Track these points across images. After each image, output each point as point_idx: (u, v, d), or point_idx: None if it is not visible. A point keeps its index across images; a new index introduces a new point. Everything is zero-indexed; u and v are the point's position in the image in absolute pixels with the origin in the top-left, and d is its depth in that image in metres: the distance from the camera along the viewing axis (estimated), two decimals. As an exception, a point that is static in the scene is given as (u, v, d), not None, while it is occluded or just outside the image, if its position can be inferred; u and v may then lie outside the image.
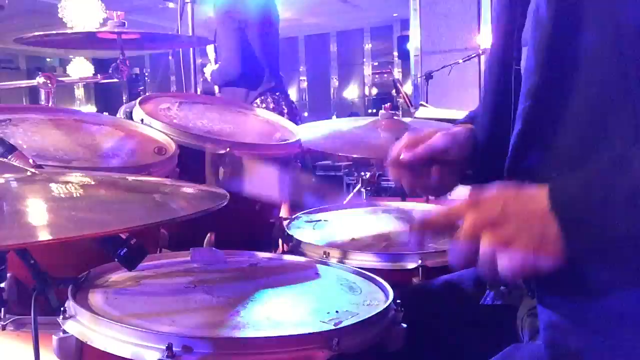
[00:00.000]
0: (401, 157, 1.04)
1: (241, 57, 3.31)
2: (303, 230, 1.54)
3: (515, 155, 0.87)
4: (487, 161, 1.01)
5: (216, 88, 3.62)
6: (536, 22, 0.82)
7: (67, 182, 0.86)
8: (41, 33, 1.92)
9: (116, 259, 0.91)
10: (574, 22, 0.77)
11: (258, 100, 3.45)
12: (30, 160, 0.99)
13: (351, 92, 12.62)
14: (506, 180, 0.86)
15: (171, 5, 3.27)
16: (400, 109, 4.71)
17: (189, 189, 1.04)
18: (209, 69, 3.54)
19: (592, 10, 0.76)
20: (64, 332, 0.84)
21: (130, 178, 1.07)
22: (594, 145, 0.76)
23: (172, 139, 1.51)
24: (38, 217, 0.75)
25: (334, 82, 12.60)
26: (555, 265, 0.70)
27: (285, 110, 3.47)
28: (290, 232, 1.45)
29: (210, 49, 3.58)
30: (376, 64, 12.28)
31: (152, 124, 1.57)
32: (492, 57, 0.99)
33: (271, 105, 3.43)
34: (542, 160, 0.83)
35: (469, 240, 0.74)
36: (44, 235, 0.69)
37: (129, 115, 1.66)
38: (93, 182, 0.94)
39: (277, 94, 3.52)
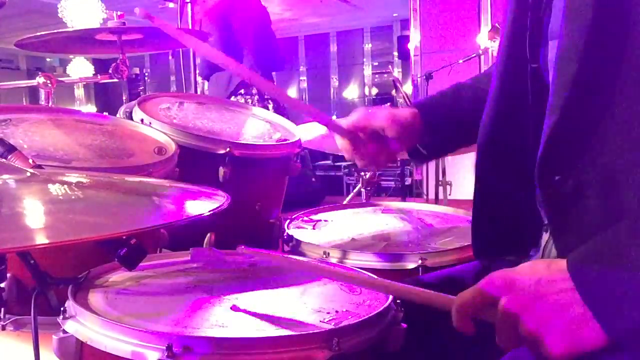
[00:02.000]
0: (344, 126, 1.22)
1: (223, 39, 3.32)
2: (303, 230, 1.54)
3: (550, 147, 0.84)
4: (485, 154, 1.02)
5: (206, 84, 3.63)
6: (570, 10, 0.80)
7: (65, 184, 0.86)
8: (41, 33, 1.92)
9: (116, 259, 0.91)
10: (614, 13, 0.76)
11: (242, 91, 3.46)
12: (30, 160, 0.99)
13: (351, 92, 12.60)
14: (539, 177, 0.85)
15: (171, 5, 3.28)
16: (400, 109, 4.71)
17: (188, 191, 1.04)
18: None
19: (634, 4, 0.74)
20: (64, 332, 0.84)
21: (129, 179, 1.07)
22: (634, 135, 0.75)
23: (172, 139, 1.51)
24: (36, 220, 0.74)
25: (334, 82, 12.58)
26: (600, 345, 0.69)
27: (271, 106, 3.47)
28: (290, 232, 1.45)
29: None
30: (376, 64, 12.27)
31: (152, 124, 1.57)
32: (503, 54, 0.99)
33: (255, 98, 3.44)
34: (582, 150, 0.80)
35: (507, 325, 0.73)
36: (41, 239, 0.69)
37: (129, 115, 1.66)
38: (92, 184, 0.94)
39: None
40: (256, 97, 3.45)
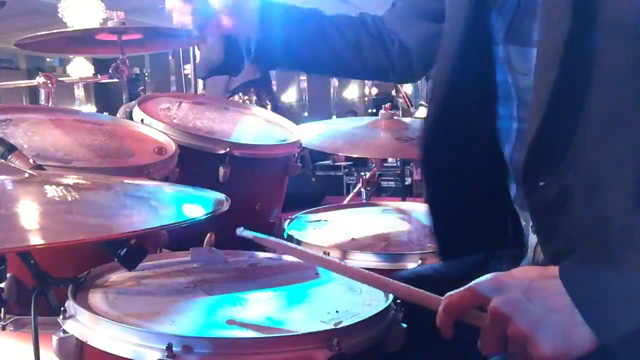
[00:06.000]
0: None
1: (223, 43, 3.31)
2: (303, 230, 1.54)
3: (534, 153, 0.83)
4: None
5: (200, 83, 3.61)
6: (547, 17, 0.81)
7: (63, 185, 0.86)
8: (42, 33, 1.92)
9: (116, 259, 0.91)
10: (590, 19, 0.76)
11: (241, 93, 3.45)
12: (31, 160, 0.99)
13: (351, 92, 12.60)
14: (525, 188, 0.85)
15: (171, 5, 3.27)
16: (400, 109, 4.71)
17: (185, 193, 1.03)
18: (188, 66, 3.55)
19: (609, 10, 0.75)
20: (64, 332, 0.84)
21: (128, 182, 1.07)
22: (614, 137, 0.76)
23: (172, 139, 1.51)
24: (33, 220, 0.74)
25: (334, 82, 12.57)
26: (589, 349, 0.68)
27: (269, 106, 3.46)
28: (290, 232, 1.45)
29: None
30: (376, 64, 12.25)
31: (152, 124, 1.57)
32: (456, 49, 0.97)
33: (253, 98, 3.43)
34: (565, 155, 0.80)
35: (495, 325, 0.71)
36: (38, 240, 0.69)
37: (129, 115, 1.66)
38: (89, 185, 0.94)
39: (260, 88, 3.51)
40: (254, 98, 3.44)
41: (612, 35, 0.75)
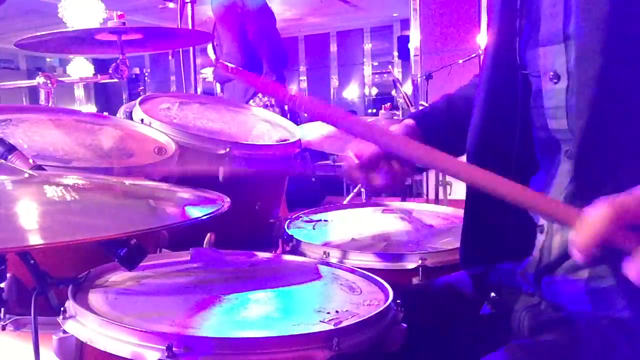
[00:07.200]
0: (354, 163, 1.16)
1: (242, 50, 3.32)
2: (303, 230, 1.54)
3: (585, 150, 0.80)
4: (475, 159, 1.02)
5: (218, 87, 3.61)
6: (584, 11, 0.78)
7: (62, 185, 0.86)
8: (41, 33, 1.92)
9: (116, 259, 0.91)
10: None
11: (260, 95, 3.46)
12: (30, 160, 0.99)
13: (351, 92, 12.60)
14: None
15: (171, 5, 3.28)
16: (400, 109, 4.72)
17: (185, 193, 1.04)
18: (207, 70, 3.55)
19: None
20: (64, 332, 0.84)
21: (128, 182, 1.07)
22: None
23: (172, 139, 1.51)
24: (33, 220, 0.74)
25: (334, 82, 12.58)
26: None
27: (286, 108, 3.47)
28: (290, 232, 1.45)
29: (210, 49, 3.58)
30: (376, 64, 12.27)
31: (152, 124, 1.57)
32: (490, 61, 0.98)
33: (273, 101, 3.44)
34: (618, 149, 0.78)
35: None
36: (37, 240, 0.69)
37: (129, 115, 1.66)
38: (89, 186, 0.94)
39: None
40: (273, 101, 3.45)
41: None
